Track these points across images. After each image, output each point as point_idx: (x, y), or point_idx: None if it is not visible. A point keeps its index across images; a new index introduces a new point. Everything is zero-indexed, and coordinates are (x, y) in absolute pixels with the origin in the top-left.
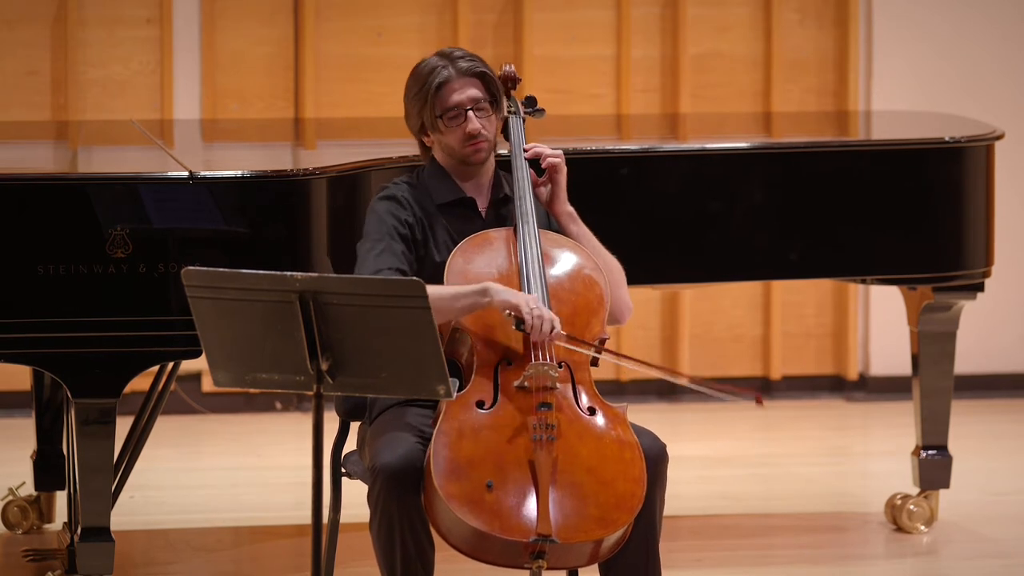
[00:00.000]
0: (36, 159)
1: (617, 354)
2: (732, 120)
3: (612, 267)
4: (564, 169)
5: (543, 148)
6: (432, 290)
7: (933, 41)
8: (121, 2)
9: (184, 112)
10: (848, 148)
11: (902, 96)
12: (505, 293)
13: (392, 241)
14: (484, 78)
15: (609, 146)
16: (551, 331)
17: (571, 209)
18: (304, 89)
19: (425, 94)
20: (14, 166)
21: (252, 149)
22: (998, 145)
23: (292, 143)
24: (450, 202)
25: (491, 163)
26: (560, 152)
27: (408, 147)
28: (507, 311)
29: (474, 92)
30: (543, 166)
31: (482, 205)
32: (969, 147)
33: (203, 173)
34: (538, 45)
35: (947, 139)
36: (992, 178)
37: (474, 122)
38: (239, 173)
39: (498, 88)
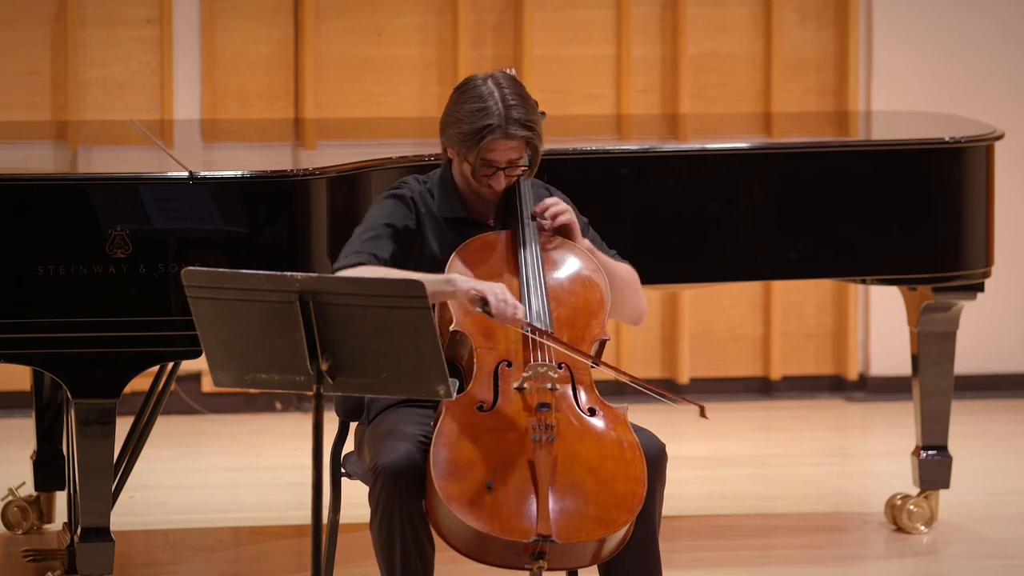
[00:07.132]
0: (36, 159)
1: (585, 354)
2: (732, 120)
3: (627, 277)
4: (574, 223)
5: (550, 210)
6: (400, 273)
7: (933, 41)
8: (121, 2)
9: (184, 112)
10: (848, 148)
11: (902, 96)
12: (470, 283)
13: (386, 233)
14: (530, 144)
15: (609, 146)
16: (513, 315)
17: (588, 244)
18: (304, 89)
19: (469, 138)
20: (14, 166)
21: (252, 149)
22: (998, 145)
23: (292, 143)
24: (451, 218)
25: None
26: (564, 208)
27: (408, 147)
28: (473, 294)
29: (514, 154)
30: (554, 224)
31: (490, 219)
32: (969, 147)
33: (203, 173)
34: (538, 45)
35: (947, 139)
36: (992, 178)
37: (501, 182)
38: (239, 173)
39: (537, 151)
